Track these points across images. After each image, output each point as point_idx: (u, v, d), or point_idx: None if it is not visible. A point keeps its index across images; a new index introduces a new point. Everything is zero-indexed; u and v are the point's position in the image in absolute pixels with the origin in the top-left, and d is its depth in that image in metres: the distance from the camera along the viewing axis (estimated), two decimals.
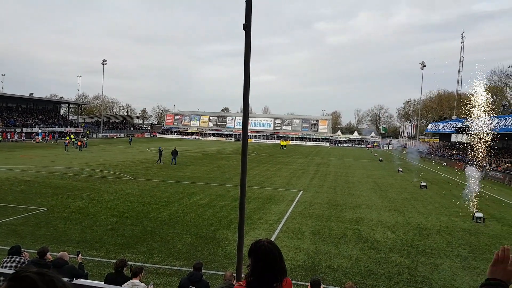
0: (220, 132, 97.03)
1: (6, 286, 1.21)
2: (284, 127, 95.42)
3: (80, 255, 6.80)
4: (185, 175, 25.23)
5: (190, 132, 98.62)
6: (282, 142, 70.14)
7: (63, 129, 67.94)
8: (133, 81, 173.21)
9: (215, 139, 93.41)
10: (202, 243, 11.10)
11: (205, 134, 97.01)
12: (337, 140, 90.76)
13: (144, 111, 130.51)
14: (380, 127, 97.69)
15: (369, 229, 13.42)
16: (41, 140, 57.45)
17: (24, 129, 59.76)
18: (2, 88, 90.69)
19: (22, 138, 56.65)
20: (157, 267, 9.06)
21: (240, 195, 4.57)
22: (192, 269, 6.66)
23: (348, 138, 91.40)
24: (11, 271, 3.85)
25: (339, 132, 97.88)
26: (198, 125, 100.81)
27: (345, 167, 36.22)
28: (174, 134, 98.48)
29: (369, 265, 9.84)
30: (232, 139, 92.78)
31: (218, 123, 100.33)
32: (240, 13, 4.28)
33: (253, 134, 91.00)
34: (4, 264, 5.60)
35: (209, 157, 41.50)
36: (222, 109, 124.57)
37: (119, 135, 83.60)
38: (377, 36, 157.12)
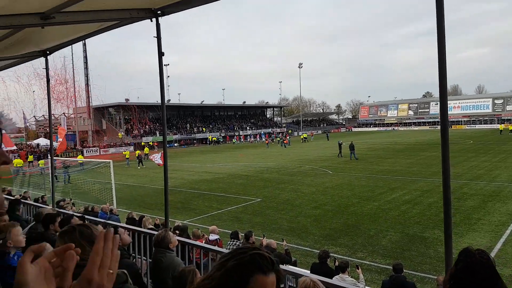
0: (423, 121, 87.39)
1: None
2: (508, 108, 77.31)
3: (285, 242, 7.27)
4: (384, 169, 23.97)
5: (388, 123, 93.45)
6: (501, 127, 56.69)
7: (269, 130, 77.10)
8: (326, 79, 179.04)
9: (416, 128, 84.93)
10: (409, 242, 10.15)
11: (405, 124, 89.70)
12: None
13: (338, 106, 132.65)
14: None
15: None
16: (253, 140, 67.07)
17: (241, 132, 71.44)
18: (224, 100, 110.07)
19: (242, 140, 68.21)
20: (361, 262, 8.80)
21: (443, 189, 3.72)
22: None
23: None
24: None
25: None
26: (396, 115, 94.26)
27: None
28: (370, 127, 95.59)
29: None
30: (438, 127, 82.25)
31: (420, 110, 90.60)
32: None
33: (465, 119, 77.94)
34: (228, 247, 6.60)
35: (410, 148, 38.12)
36: (423, 95, 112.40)
37: (317, 132, 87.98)
38: None
